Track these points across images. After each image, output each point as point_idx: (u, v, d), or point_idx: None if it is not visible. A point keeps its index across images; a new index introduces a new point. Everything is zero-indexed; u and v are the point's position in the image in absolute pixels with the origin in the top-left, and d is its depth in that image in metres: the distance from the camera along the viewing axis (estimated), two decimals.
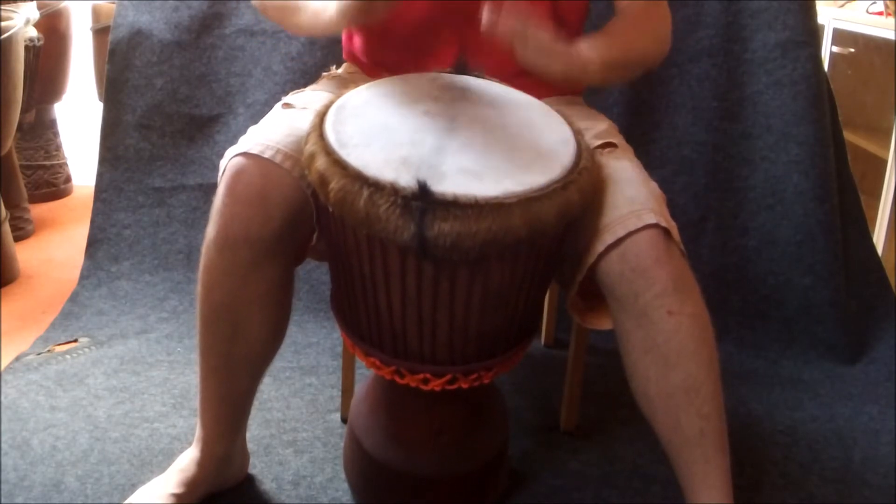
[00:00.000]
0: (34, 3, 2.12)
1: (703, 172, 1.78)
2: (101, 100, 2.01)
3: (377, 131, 0.91)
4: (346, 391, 1.39)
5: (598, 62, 1.02)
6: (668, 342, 0.94)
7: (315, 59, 1.82)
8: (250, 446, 1.25)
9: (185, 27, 1.86)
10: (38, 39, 2.06)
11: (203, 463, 1.13)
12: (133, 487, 1.15)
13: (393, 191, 0.82)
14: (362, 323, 1.00)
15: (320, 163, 0.87)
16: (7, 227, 1.97)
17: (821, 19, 2.03)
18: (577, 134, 0.97)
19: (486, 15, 0.96)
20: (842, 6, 2.34)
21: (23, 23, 1.89)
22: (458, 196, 0.81)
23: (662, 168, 1.77)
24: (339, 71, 1.27)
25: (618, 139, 1.11)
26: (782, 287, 1.75)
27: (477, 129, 0.95)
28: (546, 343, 1.72)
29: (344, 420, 1.40)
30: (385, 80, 1.05)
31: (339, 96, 0.99)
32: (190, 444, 1.16)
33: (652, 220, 0.94)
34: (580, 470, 1.31)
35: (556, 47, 0.99)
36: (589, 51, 1.03)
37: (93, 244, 1.90)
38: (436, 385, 0.99)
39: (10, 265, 1.96)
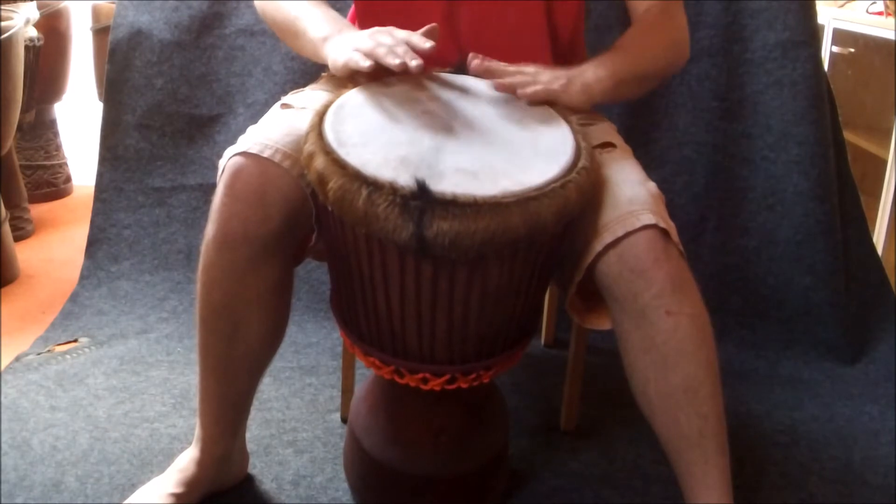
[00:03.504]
0: (34, 3, 2.12)
1: (703, 172, 1.78)
2: (101, 100, 2.01)
3: (376, 131, 0.91)
4: (346, 391, 1.39)
5: (607, 80, 1.05)
6: (666, 342, 0.94)
7: None
8: (250, 446, 1.25)
9: (185, 27, 1.86)
10: (38, 39, 2.06)
11: (203, 463, 1.13)
12: (133, 487, 1.15)
13: (392, 190, 0.82)
14: (361, 323, 1.00)
15: (319, 162, 0.87)
16: (7, 227, 1.97)
17: (821, 19, 2.03)
18: (576, 133, 0.97)
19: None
20: (842, 6, 2.34)
21: (23, 23, 1.89)
22: (457, 195, 0.81)
23: (662, 168, 1.77)
24: None
25: (617, 139, 1.11)
26: (782, 287, 1.75)
27: (475, 128, 0.95)
28: (546, 343, 1.72)
29: (344, 420, 1.40)
30: (384, 80, 1.05)
31: (338, 96, 0.99)
32: (190, 444, 1.16)
33: (650, 220, 0.94)
34: (580, 470, 1.31)
35: (545, 79, 1.03)
36: (597, 69, 1.05)
37: (93, 244, 1.90)
38: (435, 385, 0.99)
39: (10, 265, 1.96)
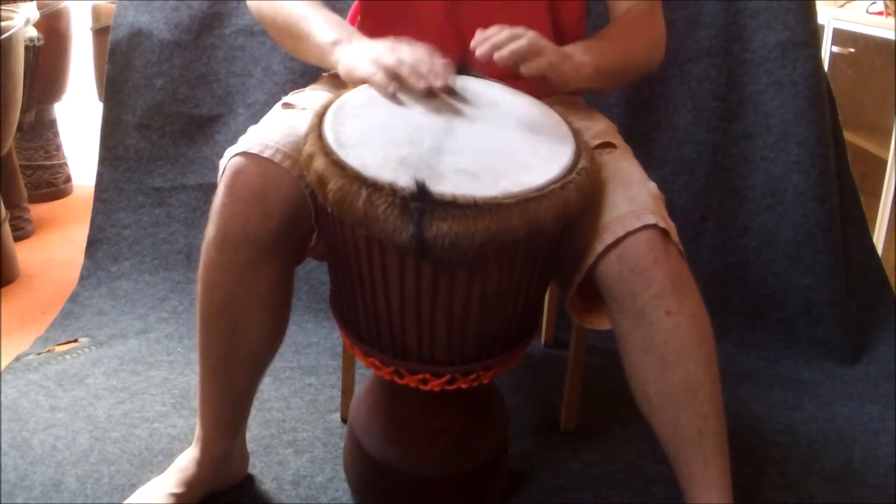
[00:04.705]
0: (34, 3, 2.12)
1: (703, 172, 1.78)
2: (101, 100, 2.02)
3: (376, 131, 0.91)
4: (346, 391, 1.39)
5: (592, 66, 1.05)
6: (666, 342, 0.94)
7: None
8: (250, 446, 1.25)
9: (185, 27, 1.86)
10: (38, 39, 2.06)
11: (203, 463, 1.13)
12: (133, 487, 1.15)
13: (391, 191, 0.82)
14: (361, 323, 1.00)
15: (319, 163, 0.87)
16: (7, 227, 1.97)
17: (821, 19, 2.03)
18: (576, 134, 0.97)
19: (478, 48, 0.99)
20: (842, 6, 2.34)
21: (23, 23, 1.89)
22: (457, 196, 0.81)
23: (662, 168, 1.77)
24: None
25: (617, 139, 1.11)
26: (782, 287, 1.75)
27: (475, 129, 0.95)
28: (546, 343, 1.72)
29: (344, 420, 1.40)
30: None
31: (338, 96, 0.99)
32: (190, 444, 1.16)
33: (650, 220, 0.94)
34: (580, 470, 1.31)
35: (550, 50, 1.00)
36: (583, 55, 1.04)
37: (93, 244, 1.90)
38: (435, 385, 0.99)
39: (10, 265, 1.96)
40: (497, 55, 0.98)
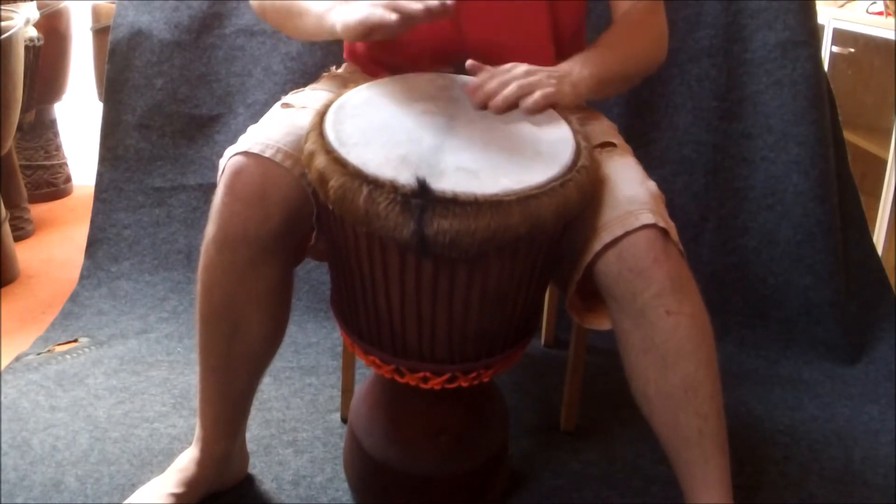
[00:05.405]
0: (34, 3, 2.13)
1: (703, 172, 1.78)
2: (101, 100, 2.02)
3: (376, 130, 0.92)
4: (346, 391, 1.39)
5: (592, 79, 1.04)
6: (666, 342, 0.94)
7: (315, 59, 1.82)
8: (250, 446, 1.25)
9: (185, 27, 1.86)
10: (38, 39, 2.06)
11: (203, 463, 1.13)
12: (133, 487, 1.15)
13: (392, 188, 0.82)
14: (362, 322, 1.00)
15: (320, 161, 0.87)
16: (7, 227, 1.97)
17: (821, 19, 2.03)
18: (576, 132, 0.97)
19: (473, 97, 1.00)
20: (842, 6, 2.34)
21: (23, 23, 1.89)
22: (458, 193, 0.81)
23: (662, 168, 1.77)
24: (339, 71, 1.28)
25: (617, 139, 1.11)
26: (782, 287, 1.75)
27: (475, 127, 0.95)
28: (546, 343, 1.72)
29: (344, 420, 1.40)
30: (384, 80, 1.05)
31: (338, 96, 1.00)
32: (190, 444, 1.16)
33: (650, 220, 0.94)
34: (580, 470, 1.31)
35: (543, 81, 1.00)
36: (581, 69, 1.04)
37: (93, 244, 1.90)
38: (435, 384, 0.99)
39: (10, 265, 1.96)
40: (492, 105, 0.99)
